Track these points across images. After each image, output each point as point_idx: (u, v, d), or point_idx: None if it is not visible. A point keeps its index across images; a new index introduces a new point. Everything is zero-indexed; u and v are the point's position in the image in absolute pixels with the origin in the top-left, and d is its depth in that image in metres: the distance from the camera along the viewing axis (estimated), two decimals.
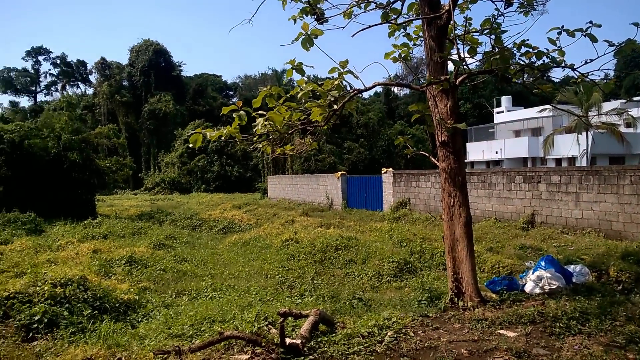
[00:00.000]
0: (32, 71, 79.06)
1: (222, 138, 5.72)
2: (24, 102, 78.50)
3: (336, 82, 5.57)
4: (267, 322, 5.46)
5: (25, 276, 7.60)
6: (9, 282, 7.37)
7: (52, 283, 6.89)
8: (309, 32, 5.76)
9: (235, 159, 50.11)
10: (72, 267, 9.17)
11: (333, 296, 8.25)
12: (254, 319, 5.61)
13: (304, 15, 6.40)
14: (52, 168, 22.28)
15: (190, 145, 5.63)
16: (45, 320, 5.98)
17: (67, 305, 6.57)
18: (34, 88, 79.87)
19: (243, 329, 5.21)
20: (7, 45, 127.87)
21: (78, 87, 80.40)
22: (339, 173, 25.44)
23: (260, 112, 5.67)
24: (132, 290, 8.42)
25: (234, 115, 5.50)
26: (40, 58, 78.91)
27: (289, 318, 5.41)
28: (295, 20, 6.41)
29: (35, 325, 5.88)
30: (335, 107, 5.60)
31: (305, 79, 5.76)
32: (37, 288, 6.72)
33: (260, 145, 6.33)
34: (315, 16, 6.25)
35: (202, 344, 4.89)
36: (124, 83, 62.51)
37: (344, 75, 5.58)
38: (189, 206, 30.95)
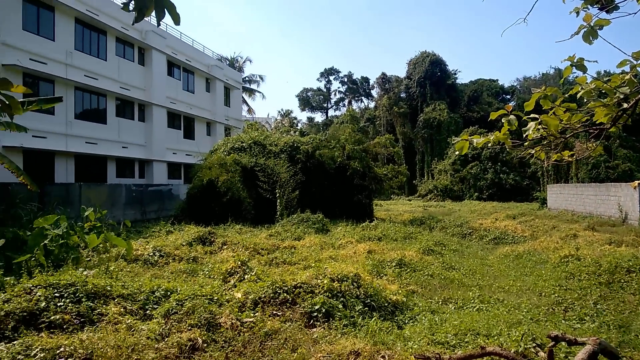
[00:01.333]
0: (325, 90, 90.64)
1: (490, 144, 5.46)
2: (318, 117, 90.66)
3: (627, 77, 4.72)
4: (534, 344, 4.98)
5: (310, 269, 8.72)
6: (298, 273, 8.56)
7: (331, 277, 7.70)
8: (591, 24, 5.05)
9: (511, 166, 47.64)
10: (349, 264, 10.09)
11: (621, 326, 7.00)
12: (520, 338, 5.18)
13: (588, 7, 5.64)
14: (337, 175, 25.07)
15: (457, 152, 5.56)
16: (323, 310, 6.71)
17: (342, 299, 7.25)
18: (326, 105, 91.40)
19: (507, 347, 4.87)
20: (307, 70, 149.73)
21: (362, 101, 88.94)
22: (636, 182, 21.60)
23: (532, 115, 5.22)
24: (400, 292, 8.77)
25: (502, 120, 5.19)
26: (331, 78, 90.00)
27: (561, 343, 4.80)
28: (577, 13, 5.70)
29: (315, 313, 6.66)
30: (625, 105, 4.75)
31: (588, 75, 5.07)
32: (319, 281, 7.59)
33: (533, 151, 5.82)
34: (599, 4, 5.43)
35: (462, 355, 4.75)
36: (401, 95, 66.04)
37: (637, 68, 4.69)
38: (460, 214, 30.71)
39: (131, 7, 3.64)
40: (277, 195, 22.47)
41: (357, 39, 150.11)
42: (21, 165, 21.93)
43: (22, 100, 11.09)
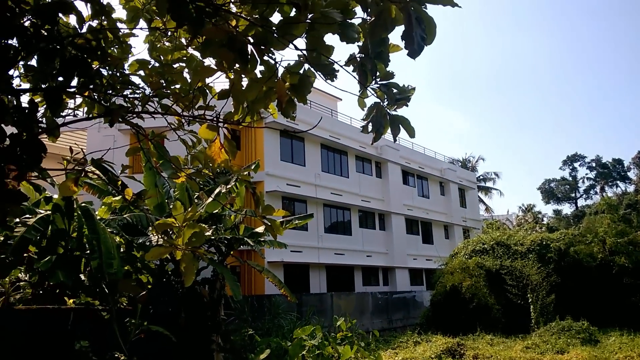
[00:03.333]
0: (570, 178, 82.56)
1: None
2: (566, 209, 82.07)
3: None
4: None
5: None
6: None
7: None
8: None
9: None
10: None
11: None
12: None
13: None
14: (600, 274, 21.67)
15: None
16: None
17: None
18: (573, 194, 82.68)
19: None
20: (545, 160, 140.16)
21: (617, 186, 77.85)
22: None
23: None
24: None
25: None
26: (576, 164, 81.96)
27: None
28: None
29: None
30: None
31: None
32: None
33: None
34: None
35: None
36: None
37: None
38: None
39: (369, 128, 3.90)
40: (529, 300, 20.30)
41: (601, 119, 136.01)
42: (282, 278, 24.72)
43: (281, 220, 12.77)
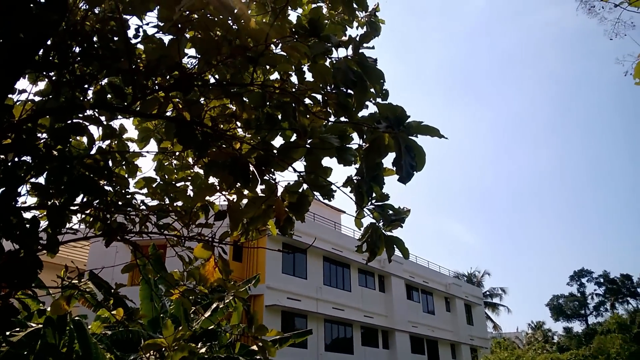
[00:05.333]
0: (578, 294, 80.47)
1: None
2: (576, 326, 78.93)
3: None
4: None
5: None
6: None
7: None
8: None
9: None
10: None
11: None
12: None
13: None
14: None
15: None
16: None
17: None
18: (583, 311, 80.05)
19: None
20: (552, 275, 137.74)
21: (628, 302, 75.56)
22: None
23: None
24: None
25: None
26: (583, 280, 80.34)
27: None
28: None
29: None
30: None
31: None
32: None
33: None
34: None
35: None
36: None
37: None
38: None
39: (364, 248, 3.95)
40: None
41: (607, 234, 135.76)
42: None
43: (279, 337, 12.30)
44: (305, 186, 3.36)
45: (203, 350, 8.98)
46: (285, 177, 3.37)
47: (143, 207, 3.66)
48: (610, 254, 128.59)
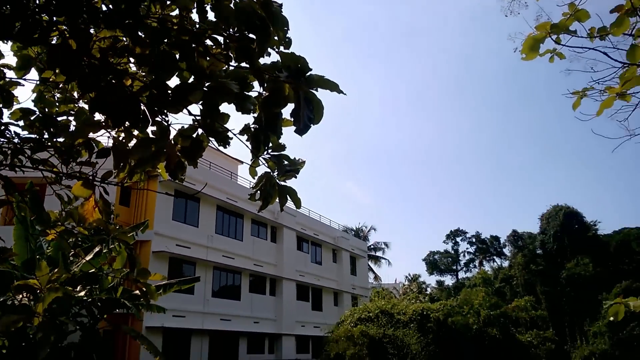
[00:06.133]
0: (452, 252, 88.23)
1: None
2: (448, 280, 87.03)
3: None
4: None
5: None
6: None
7: None
8: None
9: None
10: None
11: None
12: None
13: None
14: (475, 344, 22.90)
15: (611, 319, 4.83)
16: None
17: None
18: (455, 267, 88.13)
19: None
20: (431, 233, 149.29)
21: (494, 261, 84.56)
22: None
23: None
24: None
25: None
26: (458, 239, 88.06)
27: None
28: None
29: None
30: None
31: None
32: None
33: None
34: None
35: None
36: (537, 252, 62.07)
37: None
38: None
39: (257, 196, 3.96)
40: None
41: (482, 198, 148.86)
42: (160, 346, 23.14)
43: (164, 283, 12.13)
44: (200, 131, 3.27)
45: (82, 293, 8.63)
46: (179, 120, 3.24)
47: (17, 139, 3.34)
48: (484, 217, 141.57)
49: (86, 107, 3.70)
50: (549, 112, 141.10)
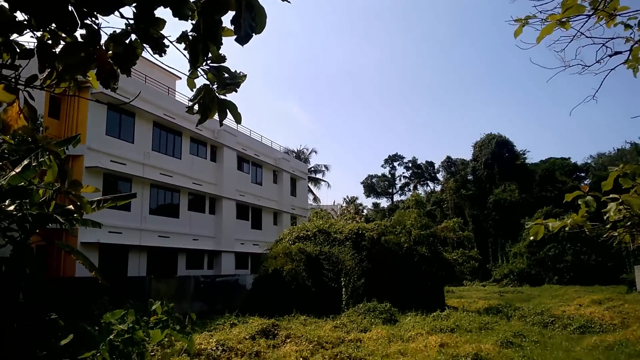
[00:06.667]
0: (390, 176, 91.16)
1: (567, 228, 5.09)
2: (384, 203, 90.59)
3: None
4: None
5: None
6: None
7: None
8: None
9: (593, 246, 44.52)
10: None
11: None
12: None
13: None
14: (405, 261, 24.34)
15: (532, 238, 5.24)
16: None
17: None
18: (391, 190, 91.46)
19: None
20: (372, 158, 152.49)
21: (428, 185, 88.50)
22: None
23: (612, 195, 4.85)
24: None
25: (579, 202, 4.86)
26: (396, 164, 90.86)
27: None
28: None
29: None
30: None
31: None
32: None
33: (616, 234, 5.36)
34: None
35: None
36: (468, 177, 65.16)
37: None
38: (539, 300, 28.59)
39: (195, 109, 3.85)
40: (343, 283, 22.00)
41: (420, 124, 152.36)
42: (97, 260, 23.03)
43: (98, 198, 11.86)
44: (133, 37, 3.08)
45: (12, 207, 8.31)
46: (110, 24, 3.03)
47: None
48: (421, 143, 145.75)
49: (6, 5, 3.37)
50: (489, 41, 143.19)
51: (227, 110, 3.80)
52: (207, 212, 33.42)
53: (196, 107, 3.83)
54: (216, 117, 3.90)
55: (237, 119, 3.79)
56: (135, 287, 20.46)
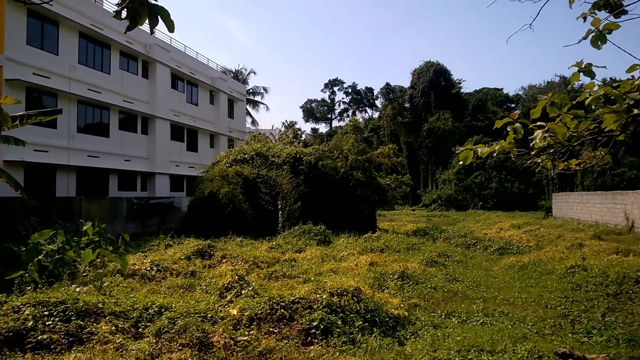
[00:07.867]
0: (329, 101, 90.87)
1: (495, 154, 5.30)
2: (322, 128, 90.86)
3: (637, 82, 4.57)
4: None
5: (310, 283, 8.53)
6: (297, 288, 8.38)
7: (330, 292, 7.51)
8: (600, 28, 4.92)
9: (516, 174, 47.43)
10: (349, 277, 9.91)
11: (630, 339, 6.79)
12: (526, 355, 4.99)
13: (595, 11, 5.48)
14: (340, 186, 24.88)
15: (461, 162, 5.43)
16: (322, 326, 6.51)
17: (341, 314, 7.04)
18: (330, 115, 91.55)
19: None
20: (311, 81, 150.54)
21: (366, 112, 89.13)
22: None
23: (539, 123, 5.06)
24: (402, 305, 8.57)
25: (508, 129, 5.03)
26: (336, 89, 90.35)
27: None
28: (585, 18, 5.55)
29: (313, 330, 6.46)
30: (635, 111, 4.59)
31: (596, 82, 4.93)
32: (318, 295, 7.41)
33: (540, 160, 5.65)
34: (608, 9, 5.29)
35: None
36: (405, 105, 66.04)
37: None
38: (464, 224, 30.47)
39: (124, 15, 3.55)
40: (279, 206, 22.27)
41: (361, 50, 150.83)
42: (22, 180, 21.88)
43: (21, 114, 11.04)
44: None
45: None
46: None
47: None
48: (362, 69, 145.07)
49: None
50: None
51: (159, 17, 3.53)
52: (140, 132, 32.16)
53: (124, 12, 3.52)
54: (147, 26, 3.61)
55: (170, 26, 3.53)
56: (65, 208, 19.73)
